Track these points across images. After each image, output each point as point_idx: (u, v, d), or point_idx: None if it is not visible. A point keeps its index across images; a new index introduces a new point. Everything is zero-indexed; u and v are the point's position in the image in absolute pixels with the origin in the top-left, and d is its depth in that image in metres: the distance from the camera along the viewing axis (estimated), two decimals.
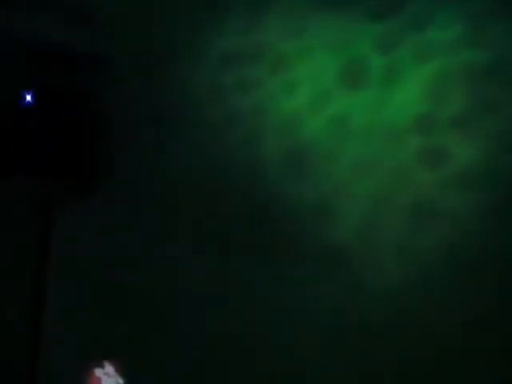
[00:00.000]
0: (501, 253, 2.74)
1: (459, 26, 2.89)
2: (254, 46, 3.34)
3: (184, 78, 3.50)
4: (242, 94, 3.34)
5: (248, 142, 3.30)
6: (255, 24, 3.36)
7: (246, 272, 3.25)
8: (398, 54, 3.00)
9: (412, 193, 2.92)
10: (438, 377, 2.81)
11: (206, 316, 3.33)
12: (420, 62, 2.95)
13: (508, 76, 2.78)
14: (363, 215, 3.00)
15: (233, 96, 3.36)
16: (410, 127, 2.94)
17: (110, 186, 3.64)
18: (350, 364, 2.98)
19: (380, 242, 2.96)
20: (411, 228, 2.91)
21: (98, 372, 2.88)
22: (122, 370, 3.24)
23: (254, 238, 3.26)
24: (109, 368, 2.66)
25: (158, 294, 3.44)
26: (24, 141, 3.46)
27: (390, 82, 3.00)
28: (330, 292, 3.04)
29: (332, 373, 3.03)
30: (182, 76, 3.51)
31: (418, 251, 2.89)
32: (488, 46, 2.84)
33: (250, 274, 3.24)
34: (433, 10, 2.97)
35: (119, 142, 3.64)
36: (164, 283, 3.44)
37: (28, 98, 3.23)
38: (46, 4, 3.69)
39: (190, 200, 3.43)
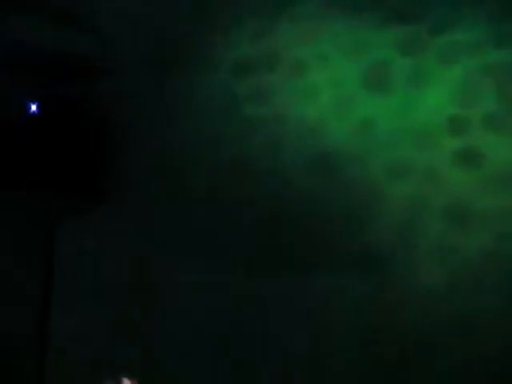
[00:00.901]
0: None
1: (483, 28, 2.86)
2: (271, 52, 3.30)
3: (197, 84, 3.47)
4: (262, 101, 3.30)
5: (269, 148, 3.26)
6: (269, 30, 3.32)
7: (272, 277, 3.23)
8: (422, 57, 2.97)
9: (447, 194, 2.88)
10: (481, 381, 2.81)
11: (210, 316, 3.37)
12: (446, 65, 2.93)
13: None
14: (399, 218, 2.97)
15: (253, 103, 3.32)
16: (442, 129, 2.92)
17: (117, 191, 3.64)
18: (387, 367, 3.05)
19: (417, 244, 2.93)
20: (448, 230, 2.87)
21: None
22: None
23: (272, 241, 3.29)
24: None
25: (159, 294, 3.44)
26: (32, 146, 3.46)
27: (417, 84, 2.97)
28: (366, 293, 3.02)
29: (361, 370, 3.07)
30: (193, 83, 3.48)
31: (455, 252, 2.86)
32: None
33: (277, 278, 3.22)
34: (455, 13, 2.94)
35: (127, 148, 3.62)
36: (165, 283, 3.43)
37: (33, 108, 3.25)
38: (51, 10, 3.66)
39: (200, 203, 3.45)
